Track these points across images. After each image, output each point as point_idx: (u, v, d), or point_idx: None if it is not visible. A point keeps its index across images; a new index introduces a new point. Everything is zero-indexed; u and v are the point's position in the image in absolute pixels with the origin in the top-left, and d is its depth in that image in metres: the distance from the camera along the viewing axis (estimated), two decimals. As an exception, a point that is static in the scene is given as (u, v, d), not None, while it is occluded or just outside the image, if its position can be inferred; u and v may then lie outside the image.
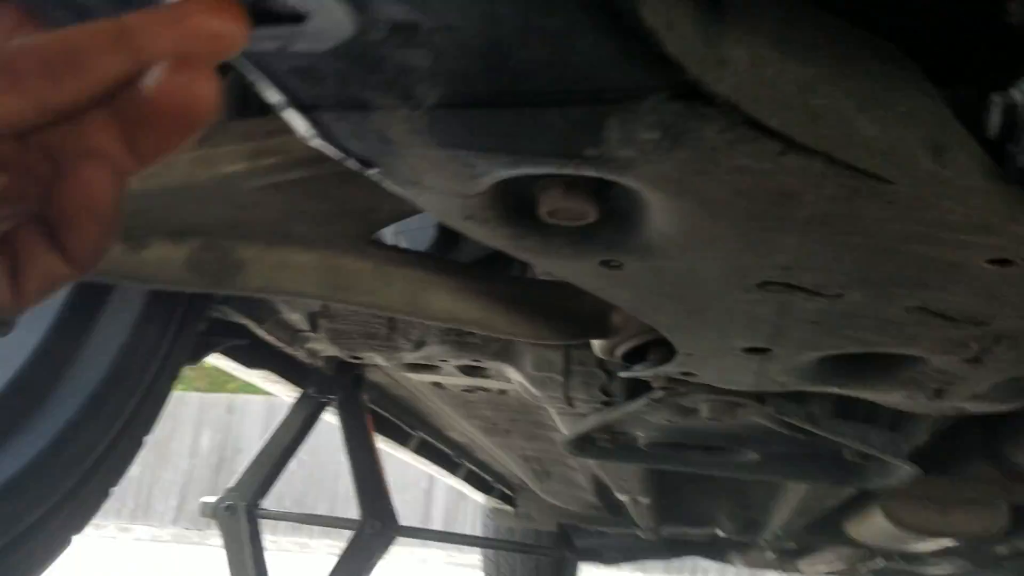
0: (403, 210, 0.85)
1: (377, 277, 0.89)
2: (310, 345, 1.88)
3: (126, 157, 0.39)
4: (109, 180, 0.38)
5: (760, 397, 1.26)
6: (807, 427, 1.36)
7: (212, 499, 1.94)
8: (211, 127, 0.75)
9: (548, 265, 0.80)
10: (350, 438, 2.15)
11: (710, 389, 1.19)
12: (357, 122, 0.56)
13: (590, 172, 0.60)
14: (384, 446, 2.72)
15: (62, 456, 1.06)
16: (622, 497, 2.88)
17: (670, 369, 1.04)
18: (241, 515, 1.88)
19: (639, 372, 1.13)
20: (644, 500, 2.82)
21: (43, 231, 0.40)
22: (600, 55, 0.47)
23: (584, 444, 1.71)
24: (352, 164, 0.62)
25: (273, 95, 0.54)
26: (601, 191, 0.67)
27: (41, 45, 0.37)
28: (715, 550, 3.80)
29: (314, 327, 1.62)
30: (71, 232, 0.39)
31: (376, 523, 2.02)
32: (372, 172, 0.64)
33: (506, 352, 1.51)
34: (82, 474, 1.10)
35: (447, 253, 1.44)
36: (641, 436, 1.62)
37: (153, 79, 0.37)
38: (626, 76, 0.49)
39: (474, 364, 1.59)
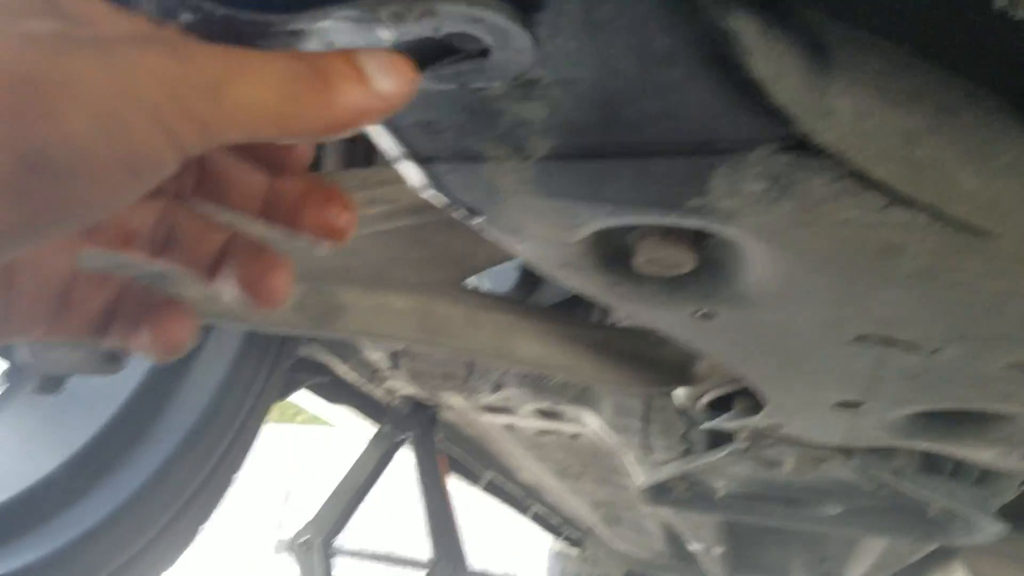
0: (498, 257, 0.87)
1: (468, 322, 0.91)
2: (388, 383, 1.91)
3: (198, 274, 0.45)
4: (186, 333, 0.44)
5: (846, 450, 1.24)
6: (893, 482, 1.33)
7: (288, 535, 1.97)
8: (329, 175, 0.79)
9: (640, 313, 0.80)
10: (424, 476, 2.16)
11: (796, 441, 1.17)
12: (469, 173, 0.58)
13: (692, 222, 0.61)
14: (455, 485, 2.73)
15: (160, 492, 1.10)
16: (695, 546, 2.83)
17: (757, 421, 1.03)
18: (316, 551, 1.91)
19: (724, 423, 1.12)
20: (718, 550, 2.76)
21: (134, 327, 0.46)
22: (711, 107, 0.49)
23: (660, 493, 1.69)
24: (459, 213, 0.64)
25: (392, 148, 0.57)
26: (698, 240, 0.68)
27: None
28: (787, 605, 3.68)
29: (395, 366, 1.65)
30: (135, 343, 0.46)
31: (447, 564, 2.02)
32: (478, 220, 0.66)
33: (585, 397, 1.51)
34: (176, 511, 1.14)
35: (529, 295, 1.46)
36: (720, 487, 1.60)
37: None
38: (736, 128, 0.50)
39: (551, 408, 1.60)
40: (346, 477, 2.01)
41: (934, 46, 0.73)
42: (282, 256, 0.44)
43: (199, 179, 0.45)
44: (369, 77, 0.36)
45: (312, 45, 0.40)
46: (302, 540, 1.96)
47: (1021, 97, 0.73)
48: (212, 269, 0.46)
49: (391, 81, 0.37)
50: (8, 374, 1.27)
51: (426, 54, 0.41)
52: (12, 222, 0.29)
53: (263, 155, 0.44)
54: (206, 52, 0.33)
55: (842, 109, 0.55)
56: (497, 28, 0.40)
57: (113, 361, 0.95)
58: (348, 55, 0.37)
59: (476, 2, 0.37)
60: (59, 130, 0.28)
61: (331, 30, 0.41)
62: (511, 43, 0.42)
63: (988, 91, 0.66)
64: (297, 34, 0.40)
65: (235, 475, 1.28)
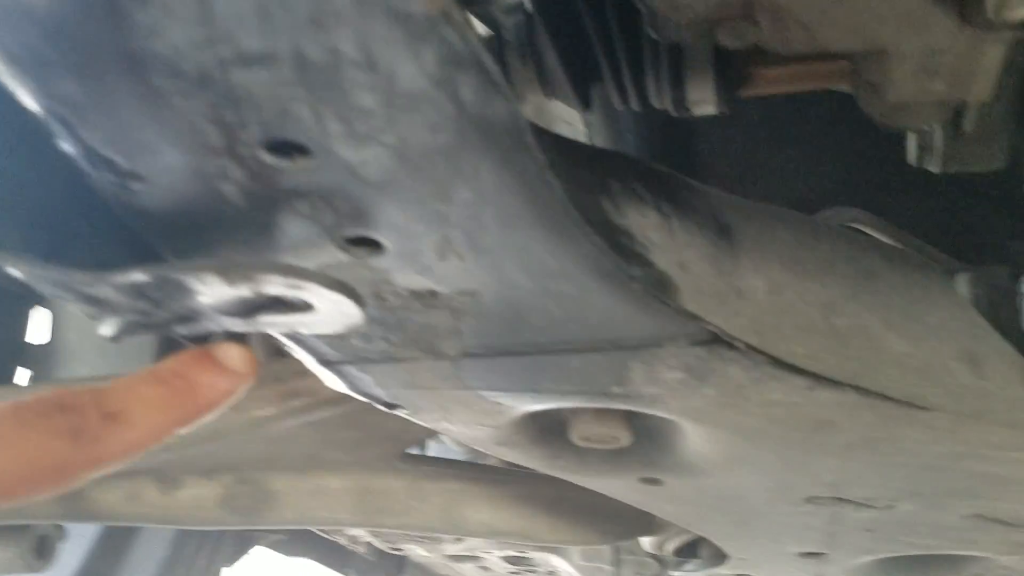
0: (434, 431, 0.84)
1: (412, 494, 0.87)
2: (351, 532, 1.84)
3: None
4: None
5: (821, 588, 1.20)
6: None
7: None
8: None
9: (586, 483, 0.78)
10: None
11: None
12: (383, 373, 0.57)
13: (618, 406, 0.59)
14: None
15: None
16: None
17: (723, 572, 0.99)
18: None
19: (692, 572, 1.08)
20: None
21: None
22: (616, 310, 0.47)
23: (639, 635, 1.62)
24: (379, 406, 0.62)
25: (300, 356, 0.55)
26: (632, 414, 0.66)
27: None
28: None
29: (355, 519, 1.59)
30: None
31: None
32: (400, 412, 0.63)
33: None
34: None
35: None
36: (699, 625, 1.54)
37: None
38: (643, 326, 0.49)
39: (519, 555, 1.54)
40: (312, 635, 1.91)
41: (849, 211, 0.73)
42: None
43: None
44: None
45: (124, 305, 0.40)
46: None
47: (947, 226, 0.73)
48: None
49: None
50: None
51: (254, 304, 0.40)
52: None
53: None
54: None
55: (754, 288, 0.54)
56: (320, 295, 0.40)
57: (42, 556, 0.90)
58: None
59: (293, 274, 0.37)
60: None
61: (147, 287, 0.40)
62: (336, 305, 0.41)
63: (907, 251, 0.66)
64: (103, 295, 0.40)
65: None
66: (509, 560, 1.60)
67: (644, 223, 0.49)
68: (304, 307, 0.43)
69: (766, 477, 0.69)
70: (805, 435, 0.60)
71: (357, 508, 0.84)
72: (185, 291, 0.40)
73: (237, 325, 0.44)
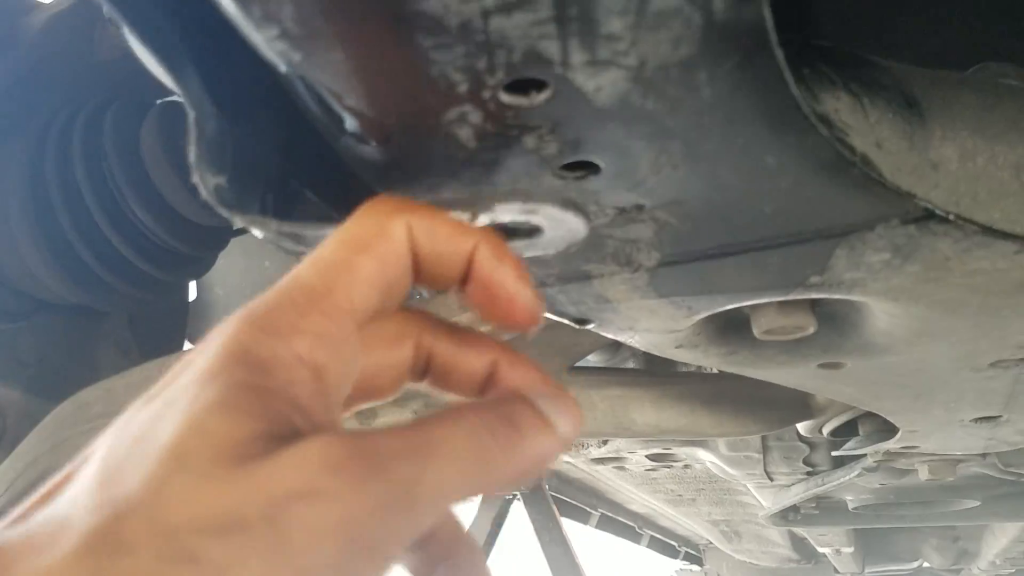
0: (604, 340, 0.86)
1: (580, 403, 0.89)
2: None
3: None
4: None
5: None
6: (1036, 472, 1.28)
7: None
8: (430, 298, 0.80)
9: (760, 375, 0.78)
10: (541, 531, 2.15)
11: (931, 454, 1.13)
12: (577, 291, 0.58)
13: (813, 295, 0.59)
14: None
15: None
16: (823, 549, 2.76)
17: (891, 445, 0.99)
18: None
19: (854, 449, 1.09)
20: (847, 550, 2.69)
21: None
22: (826, 198, 0.47)
23: (788, 514, 1.65)
24: (569, 322, 0.64)
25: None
26: (817, 301, 0.66)
27: None
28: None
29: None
30: None
31: (583, 618, 2.00)
32: (588, 327, 0.65)
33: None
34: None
35: (619, 348, 1.43)
36: (850, 499, 1.55)
37: None
38: (854, 210, 0.49)
39: (662, 453, 1.57)
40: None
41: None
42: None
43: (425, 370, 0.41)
44: (554, 424, 0.35)
45: None
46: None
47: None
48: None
49: (570, 425, 0.35)
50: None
51: None
52: None
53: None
54: (389, 452, 0.29)
55: (947, 157, 0.53)
56: (551, 216, 0.40)
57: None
58: (530, 403, 0.35)
59: (531, 199, 0.38)
60: None
61: None
62: (564, 224, 0.42)
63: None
64: None
65: None
66: (652, 457, 1.64)
67: (838, 106, 0.48)
68: (532, 232, 0.44)
69: (954, 347, 0.69)
70: (1003, 299, 0.59)
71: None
72: None
73: None
